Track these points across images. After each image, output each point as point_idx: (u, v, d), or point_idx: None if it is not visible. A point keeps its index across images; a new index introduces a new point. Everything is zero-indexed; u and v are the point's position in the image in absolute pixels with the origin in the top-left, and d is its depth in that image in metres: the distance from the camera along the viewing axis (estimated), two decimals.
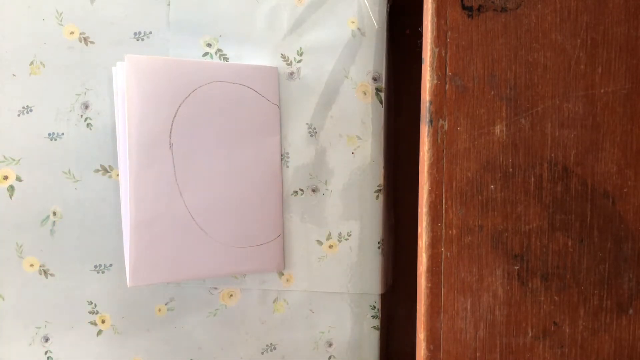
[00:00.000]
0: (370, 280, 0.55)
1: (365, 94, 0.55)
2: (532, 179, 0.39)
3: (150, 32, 0.54)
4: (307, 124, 0.55)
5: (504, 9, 0.39)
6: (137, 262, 0.50)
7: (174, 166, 0.51)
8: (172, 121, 0.51)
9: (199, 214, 0.52)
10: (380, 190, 0.55)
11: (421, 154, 0.40)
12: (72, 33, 0.54)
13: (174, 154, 0.51)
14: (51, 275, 0.54)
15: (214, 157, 0.52)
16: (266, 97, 0.54)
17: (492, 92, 0.39)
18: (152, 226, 0.50)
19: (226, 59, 0.54)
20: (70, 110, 0.54)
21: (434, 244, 0.39)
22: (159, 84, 0.50)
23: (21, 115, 0.54)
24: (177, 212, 0.51)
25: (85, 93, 0.54)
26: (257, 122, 0.53)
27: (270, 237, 0.54)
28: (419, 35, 0.42)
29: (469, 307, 0.39)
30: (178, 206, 0.51)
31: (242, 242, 0.53)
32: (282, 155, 0.55)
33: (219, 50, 0.54)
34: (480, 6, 0.39)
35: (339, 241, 0.55)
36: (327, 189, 0.55)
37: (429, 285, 0.39)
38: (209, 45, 0.54)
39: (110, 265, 0.55)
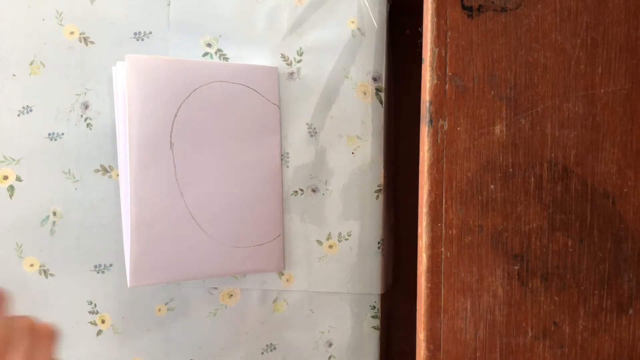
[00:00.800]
0: (370, 280, 0.55)
1: (365, 94, 0.55)
2: (532, 179, 0.39)
3: (150, 32, 0.54)
4: (307, 124, 0.55)
5: (504, 9, 0.39)
6: (138, 262, 0.50)
7: (175, 166, 0.51)
8: (173, 121, 0.51)
9: (199, 214, 0.52)
10: (380, 190, 0.55)
11: (421, 154, 0.40)
12: (72, 33, 0.54)
13: (175, 153, 0.51)
14: (51, 275, 0.54)
15: (214, 157, 0.52)
16: (266, 97, 0.54)
17: (492, 92, 0.39)
18: (153, 226, 0.50)
19: (226, 59, 0.54)
20: (70, 110, 0.54)
21: (434, 244, 0.39)
22: (159, 84, 0.50)
23: (21, 115, 0.54)
24: (177, 212, 0.51)
25: (85, 93, 0.54)
26: (257, 122, 0.53)
27: (270, 237, 0.54)
28: (419, 35, 0.42)
29: (469, 307, 0.39)
30: (178, 206, 0.51)
31: (242, 242, 0.53)
32: (282, 155, 0.55)
33: (219, 50, 0.54)
34: (480, 6, 0.39)
35: (339, 241, 0.55)
36: (327, 189, 0.55)
37: (429, 285, 0.39)
38: (209, 45, 0.54)
39: (110, 265, 0.55)
